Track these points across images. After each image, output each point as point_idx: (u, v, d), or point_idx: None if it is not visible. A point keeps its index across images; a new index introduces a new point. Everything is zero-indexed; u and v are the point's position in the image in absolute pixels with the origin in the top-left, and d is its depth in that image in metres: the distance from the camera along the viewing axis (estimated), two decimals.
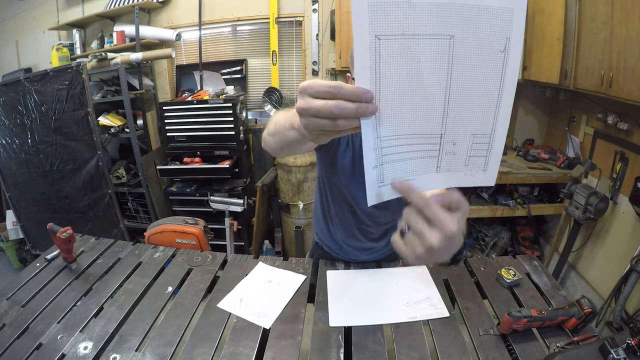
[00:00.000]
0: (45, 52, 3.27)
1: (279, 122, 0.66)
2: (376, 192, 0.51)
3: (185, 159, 2.85)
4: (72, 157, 2.74)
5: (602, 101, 2.20)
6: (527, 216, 2.58)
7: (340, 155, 1.09)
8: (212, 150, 2.87)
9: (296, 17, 3.00)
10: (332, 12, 2.76)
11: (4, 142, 2.86)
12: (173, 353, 0.97)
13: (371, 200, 0.52)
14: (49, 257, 1.37)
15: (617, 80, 1.75)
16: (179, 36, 3.05)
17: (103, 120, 2.92)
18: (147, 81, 3.17)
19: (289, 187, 2.81)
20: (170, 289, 1.22)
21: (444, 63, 0.46)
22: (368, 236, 1.29)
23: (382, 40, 0.43)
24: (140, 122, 3.10)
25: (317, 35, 2.99)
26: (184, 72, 3.23)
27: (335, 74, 3.00)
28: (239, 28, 3.16)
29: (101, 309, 1.14)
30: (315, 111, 0.46)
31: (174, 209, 2.97)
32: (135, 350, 0.97)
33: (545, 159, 2.65)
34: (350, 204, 1.20)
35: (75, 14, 3.24)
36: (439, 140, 0.51)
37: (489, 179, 0.56)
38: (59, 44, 3.21)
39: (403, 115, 0.48)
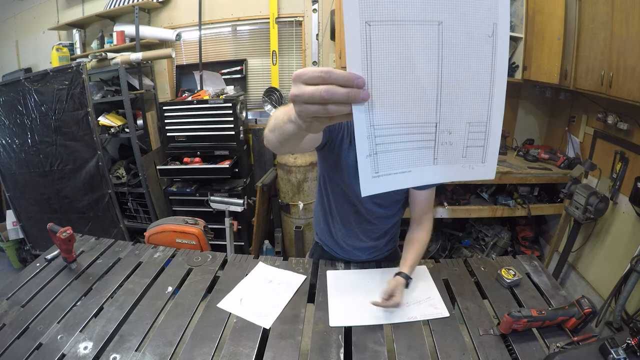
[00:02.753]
0: (45, 52, 3.27)
1: (278, 117, 0.66)
2: (371, 182, 0.51)
3: (185, 159, 2.85)
4: (72, 157, 2.73)
5: (602, 101, 2.20)
6: (527, 216, 2.57)
7: (344, 154, 1.09)
8: (212, 150, 2.87)
9: (296, 17, 3.00)
10: (332, 12, 2.76)
11: (4, 142, 2.86)
12: (173, 353, 0.97)
13: (365, 191, 0.51)
14: (49, 257, 1.37)
15: (617, 80, 1.75)
16: (179, 36, 3.04)
17: (103, 120, 2.92)
18: (147, 81, 3.17)
19: (289, 187, 2.81)
20: (170, 289, 1.22)
21: (434, 49, 0.46)
22: (369, 235, 1.29)
23: (372, 27, 0.44)
24: (140, 122, 3.10)
25: (317, 35, 2.99)
26: (184, 72, 3.22)
27: None
28: (239, 28, 3.16)
29: (101, 309, 1.14)
30: (308, 97, 0.46)
31: (174, 209, 2.97)
32: (135, 350, 0.97)
33: (545, 159, 2.64)
34: (354, 203, 1.21)
35: (75, 14, 3.24)
36: (434, 129, 0.51)
37: (488, 172, 0.55)
38: (59, 44, 3.21)
39: (396, 103, 0.48)
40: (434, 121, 0.50)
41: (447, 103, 0.49)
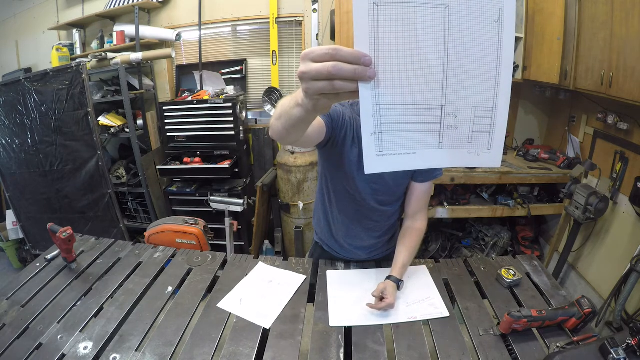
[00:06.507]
0: (45, 52, 3.27)
1: (284, 104, 0.67)
2: (375, 160, 0.51)
3: (185, 159, 2.84)
4: (72, 157, 2.73)
5: (602, 101, 2.20)
6: (527, 216, 2.57)
7: (346, 150, 1.10)
8: (212, 150, 2.87)
9: (296, 17, 3.00)
10: (332, 12, 2.75)
11: (4, 142, 2.86)
12: (173, 353, 0.97)
13: (369, 168, 0.52)
14: (49, 257, 1.37)
15: (617, 80, 1.75)
16: (179, 36, 3.04)
17: (103, 120, 2.92)
18: (147, 81, 3.17)
19: (289, 187, 2.81)
20: (170, 289, 1.22)
21: (441, 32, 0.47)
22: (371, 234, 1.30)
23: (380, 7, 0.45)
24: (140, 122, 3.10)
25: (317, 35, 2.99)
26: (184, 72, 3.22)
27: None
28: (239, 28, 3.16)
29: (101, 309, 1.14)
30: (315, 73, 0.47)
31: (174, 209, 2.97)
32: (135, 350, 0.97)
33: (545, 159, 2.64)
34: (356, 201, 1.21)
35: (75, 14, 3.24)
36: (439, 111, 0.51)
37: (494, 159, 0.55)
38: (59, 44, 3.21)
39: (402, 84, 0.49)
40: (439, 104, 0.51)
41: (453, 86, 0.50)
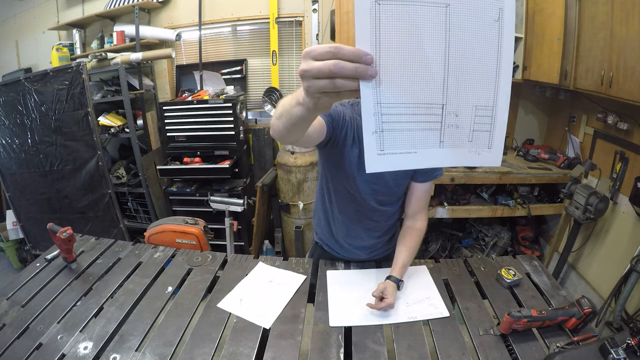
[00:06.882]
0: (45, 52, 3.27)
1: (285, 103, 0.67)
2: (376, 159, 0.52)
3: (185, 159, 2.85)
4: (72, 157, 2.73)
5: (602, 101, 2.20)
6: (527, 216, 2.57)
7: (347, 150, 1.11)
8: (212, 150, 2.87)
9: (296, 17, 3.00)
10: (332, 12, 2.75)
11: (4, 142, 2.86)
12: (173, 353, 0.97)
13: (370, 167, 0.52)
14: (49, 257, 1.37)
15: (617, 80, 1.75)
16: (179, 36, 3.04)
17: (103, 120, 2.92)
18: (147, 81, 3.17)
19: (289, 187, 2.81)
20: (170, 289, 1.22)
21: (442, 31, 0.48)
22: (371, 234, 1.30)
23: (382, 5, 0.45)
24: (140, 122, 3.10)
25: (317, 35, 2.99)
26: (184, 72, 3.22)
27: None
28: (239, 28, 3.16)
29: (101, 309, 1.14)
30: (316, 71, 0.47)
31: (174, 209, 2.97)
32: (135, 350, 0.98)
33: (545, 159, 2.64)
34: (356, 201, 1.21)
35: (75, 14, 3.24)
36: (440, 110, 0.51)
37: (494, 158, 0.56)
38: (59, 44, 3.21)
39: (403, 82, 0.49)
40: (440, 102, 0.51)
41: (453, 85, 0.50)
